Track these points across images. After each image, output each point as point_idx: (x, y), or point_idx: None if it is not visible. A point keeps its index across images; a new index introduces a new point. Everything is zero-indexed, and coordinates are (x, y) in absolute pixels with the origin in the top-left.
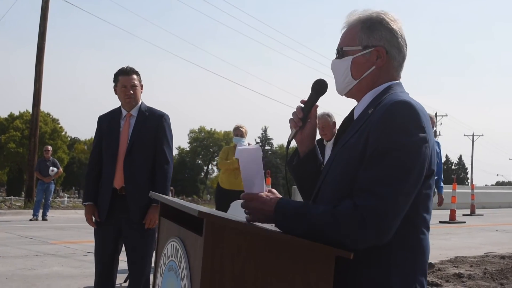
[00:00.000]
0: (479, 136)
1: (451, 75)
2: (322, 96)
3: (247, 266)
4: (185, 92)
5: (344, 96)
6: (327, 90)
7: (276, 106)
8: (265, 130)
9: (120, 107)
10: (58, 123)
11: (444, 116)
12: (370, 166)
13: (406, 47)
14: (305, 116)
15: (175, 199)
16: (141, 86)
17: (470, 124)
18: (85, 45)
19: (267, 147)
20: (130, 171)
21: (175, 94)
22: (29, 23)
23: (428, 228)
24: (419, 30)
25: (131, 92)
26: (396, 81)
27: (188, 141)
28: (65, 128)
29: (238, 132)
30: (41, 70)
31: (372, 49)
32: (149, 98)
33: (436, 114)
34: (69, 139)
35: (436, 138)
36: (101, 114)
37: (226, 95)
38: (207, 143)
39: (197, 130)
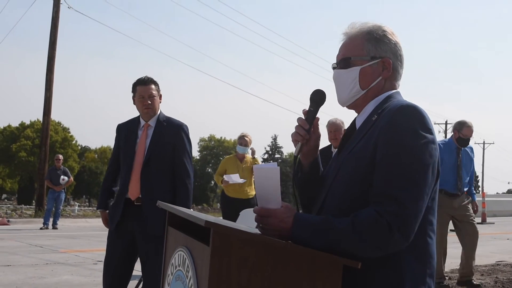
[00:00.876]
0: (490, 144)
1: (461, 83)
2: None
3: (254, 276)
4: (194, 100)
5: (345, 107)
6: (326, 99)
7: (286, 114)
8: (275, 139)
9: (138, 116)
10: (69, 132)
11: None
12: (384, 171)
13: (403, 59)
14: (310, 128)
15: (183, 208)
16: (160, 96)
17: (481, 132)
18: (94, 53)
19: (277, 156)
20: (148, 182)
21: (184, 102)
22: (39, 32)
23: (434, 232)
24: (431, 37)
25: (149, 102)
26: (396, 90)
27: (198, 149)
28: (76, 137)
29: (243, 141)
30: (51, 79)
31: (379, 60)
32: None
33: (446, 122)
34: (79, 148)
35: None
36: (120, 123)
37: (236, 103)
38: (217, 152)
39: (207, 139)
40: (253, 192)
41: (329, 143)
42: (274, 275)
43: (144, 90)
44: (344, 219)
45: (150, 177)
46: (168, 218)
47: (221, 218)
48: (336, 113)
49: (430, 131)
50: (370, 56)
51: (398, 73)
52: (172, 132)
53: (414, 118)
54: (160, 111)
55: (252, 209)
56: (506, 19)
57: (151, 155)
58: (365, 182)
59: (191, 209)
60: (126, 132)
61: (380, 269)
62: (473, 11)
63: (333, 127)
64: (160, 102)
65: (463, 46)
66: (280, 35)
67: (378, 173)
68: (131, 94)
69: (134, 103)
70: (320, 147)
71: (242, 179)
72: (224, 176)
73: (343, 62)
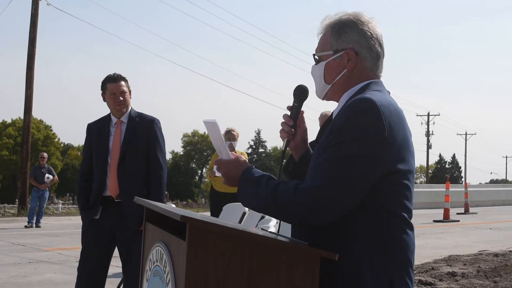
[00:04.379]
0: (472, 134)
1: (443, 74)
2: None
3: (231, 269)
4: (176, 95)
5: (323, 100)
6: (309, 94)
7: (269, 108)
8: (258, 133)
9: (109, 114)
10: (51, 130)
11: (437, 115)
12: (321, 153)
13: (380, 46)
14: (295, 123)
15: (160, 204)
16: (130, 91)
17: (463, 123)
18: (73, 50)
19: (260, 150)
20: (124, 178)
21: (166, 97)
22: (18, 30)
23: (407, 224)
24: (409, 28)
25: (121, 98)
26: (374, 80)
27: (182, 145)
28: (58, 135)
29: (230, 135)
30: (32, 77)
31: (342, 52)
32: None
33: (428, 113)
34: (62, 145)
35: (429, 137)
36: (89, 122)
37: (218, 98)
38: (201, 147)
39: (190, 134)
40: None
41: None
42: (252, 268)
43: (115, 87)
44: (274, 182)
45: (127, 173)
46: (145, 214)
47: (203, 214)
48: (324, 106)
49: (381, 126)
50: (333, 50)
51: (368, 61)
52: (145, 127)
53: (363, 112)
54: (131, 107)
55: (235, 203)
56: (488, 12)
57: (126, 150)
58: None
59: (172, 204)
60: (98, 130)
61: (349, 264)
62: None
63: (324, 119)
64: (131, 97)
65: (444, 38)
66: (261, 29)
67: (314, 155)
68: (100, 92)
69: (105, 101)
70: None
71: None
72: (214, 167)
73: (313, 58)
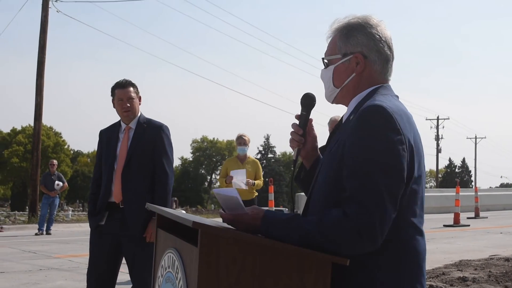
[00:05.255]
0: (482, 138)
1: (453, 77)
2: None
3: (243, 275)
4: (185, 101)
5: (333, 103)
6: (316, 101)
7: (278, 113)
8: (267, 138)
9: (119, 120)
10: (61, 137)
11: (446, 119)
12: (349, 173)
13: (389, 49)
14: (304, 132)
15: (171, 210)
16: (139, 98)
17: (473, 127)
18: (82, 56)
19: (270, 155)
20: (128, 184)
21: (175, 103)
22: (28, 36)
23: (420, 232)
24: (419, 31)
25: (128, 105)
26: (383, 84)
27: (191, 151)
28: (68, 142)
29: (241, 141)
30: (42, 84)
31: (351, 56)
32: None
33: (438, 117)
34: (72, 152)
35: (439, 141)
36: (102, 129)
37: (227, 103)
38: (210, 153)
39: (199, 140)
40: (255, 194)
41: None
42: (263, 274)
43: (122, 93)
44: (311, 218)
45: (131, 179)
46: (157, 220)
47: (213, 219)
48: (333, 110)
49: (397, 131)
50: (341, 54)
51: (377, 65)
52: (153, 133)
53: (378, 118)
54: (141, 113)
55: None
56: (499, 14)
57: (131, 156)
58: (338, 182)
59: (182, 210)
60: (108, 136)
61: (356, 268)
62: (465, 6)
63: (334, 124)
64: (140, 104)
65: (454, 41)
66: (268, 33)
67: (345, 174)
68: (111, 98)
69: (114, 107)
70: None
71: (245, 182)
72: (231, 172)
73: (323, 62)
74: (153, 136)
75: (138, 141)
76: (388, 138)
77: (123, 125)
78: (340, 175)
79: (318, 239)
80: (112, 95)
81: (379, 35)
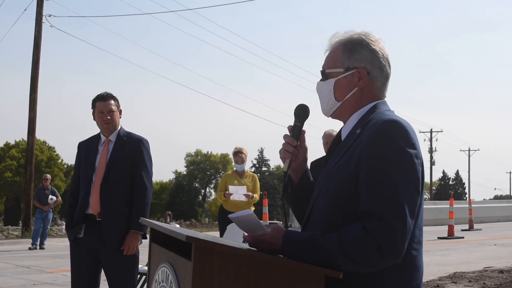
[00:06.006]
0: (475, 150)
1: (445, 90)
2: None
3: None
4: (178, 115)
5: (330, 117)
6: (310, 113)
7: (271, 126)
8: (261, 152)
9: (99, 133)
10: (54, 151)
11: (440, 131)
12: (368, 188)
13: (389, 66)
14: (297, 144)
15: (165, 224)
16: (120, 111)
17: (466, 139)
18: (76, 71)
19: (264, 168)
20: (106, 197)
21: (168, 117)
22: (22, 51)
23: (419, 244)
24: (408, 45)
25: (109, 117)
26: (381, 100)
27: (185, 164)
28: (61, 156)
29: (238, 159)
30: (35, 98)
31: (354, 70)
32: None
33: (431, 130)
34: (65, 166)
35: (432, 154)
36: (80, 141)
37: (221, 117)
38: (204, 166)
39: (193, 154)
40: (252, 208)
41: (325, 154)
42: (257, 287)
43: (103, 105)
44: (331, 236)
45: (109, 191)
46: (150, 234)
47: (207, 233)
48: (326, 124)
49: (413, 145)
50: (344, 67)
51: (379, 82)
52: (132, 147)
53: (396, 133)
54: (121, 126)
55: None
56: (487, 25)
57: (110, 169)
58: (348, 197)
59: (176, 224)
60: (87, 148)
61: (361, 285)
62: (452, 19)
63: (329, 138)
64: (120, 117)
65: (444, 53)
66: (261, 47)
67: (362, 189)
68: (91, 110)
69: (94, 119)
70: (315, 158)
71: (245, 196)
72: (230, 187)
73: (322, 74)
74: (133, 149)
75: (117, 154)
76: (406, 152)
77: (103, 138)
78: (351, 189)
79: (339, 257)
80: (92, 107)
81: (382, 53)
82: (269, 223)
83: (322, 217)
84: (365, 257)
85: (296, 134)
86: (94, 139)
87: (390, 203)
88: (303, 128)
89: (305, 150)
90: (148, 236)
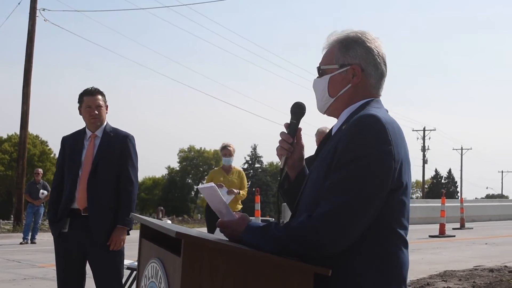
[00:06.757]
0: (468, 149)
1: (439, 89)
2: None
3: (226, 284)
4: (172, 111)
5: (324, 114)
6: (306, 111)
7: (265, 123)
8: (254, 148)
9: (84, 128)
10: (47, 145)
11: (432, 130)
12: (332, 177)
13: (385, 65)
14: (293, 141)
15: (155, 220)
16: (106, 106)
17: (459, 138)
18: (70, 65)
19: (257, 165)
20: (93, 192)
21: (162, 113)
22: (15, 45)
23: (404, 243)
24: (404, 43)
25: (96, 112)
26: (375, 98)
27: (178, 160)
28: (54, 150)
29: (226, 152)
30: (28, 92)
31: (348, 67)
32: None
33: (424, 128)
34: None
35: (425, 152)
36: (64, 135)
37: (215, 113)
38: (197, 162)
39: (186, 150)
40: (240, 206)
41: (315, 150)
42: (246, 284)
43: (91, 100)
44: (285, 223)
45: (96, 186)
46: (141, 230)
47: (198, 230)
48: (322, 122)
49: (388, 142)
50: (339, 64)
51: (373, 79)
52: (119, 142)
53: (371, 128)
54: (107, 122)
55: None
56: (482, 24)
57: (97, 164)
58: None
59: (168, 220)
60: (72, 143)
61: (337, 277)
62: (445, 17)
63: (322, 135)
64: (107, 112)
65: (439, 52)
66: (257, 44)
67: (328, 178)
68: (77, 105)
69: (81, 114)
70: (309, 155)
71: (229, 196)
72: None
73: (318, 71)
74: (120, 145)
75: (104, 149)
76: (377, 147)
77: (89, 133)
78: (327, 179)
79: (286, 241)
80: (79, 101)
81: (377, 50)
82: (261, 220)
83: (304, 208)
84: (306, 239)
85: (292, 132)
86: (79, 134)
87: (343, 193)
88: (299, 126)
89: (301, 147)
90: (132, 232)
